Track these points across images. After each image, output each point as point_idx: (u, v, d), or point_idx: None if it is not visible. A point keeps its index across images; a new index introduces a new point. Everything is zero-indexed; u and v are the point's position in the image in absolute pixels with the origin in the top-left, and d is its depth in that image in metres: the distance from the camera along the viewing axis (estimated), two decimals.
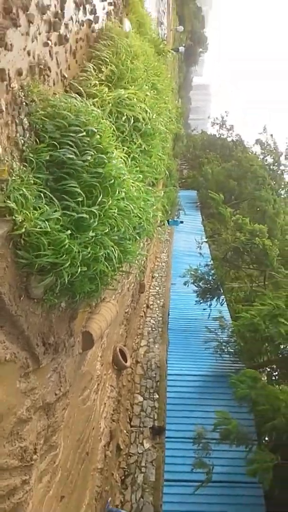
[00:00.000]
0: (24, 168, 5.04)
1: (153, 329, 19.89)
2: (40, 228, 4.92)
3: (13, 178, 4.72)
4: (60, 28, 6.74)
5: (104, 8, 10.33)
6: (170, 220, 28.60)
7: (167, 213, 22.55)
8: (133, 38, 9.66)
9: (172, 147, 33.00)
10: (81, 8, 8.18)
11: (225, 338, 17.43)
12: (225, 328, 17.90)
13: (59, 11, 6.80)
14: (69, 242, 5.31)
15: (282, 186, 39.29)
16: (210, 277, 20.50)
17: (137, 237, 7.94)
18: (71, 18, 7.49)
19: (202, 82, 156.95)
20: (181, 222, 31.46)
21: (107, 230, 6.20)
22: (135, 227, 7.56)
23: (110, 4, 11.01)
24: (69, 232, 5.34)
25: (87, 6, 8.61)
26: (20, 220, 4.62)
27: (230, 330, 17.48)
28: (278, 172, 39.87)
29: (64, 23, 7.03)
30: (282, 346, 14.37)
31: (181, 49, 40.62)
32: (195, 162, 46.65)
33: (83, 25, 8.24)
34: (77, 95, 6.73)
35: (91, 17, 8.86)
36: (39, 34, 5.82)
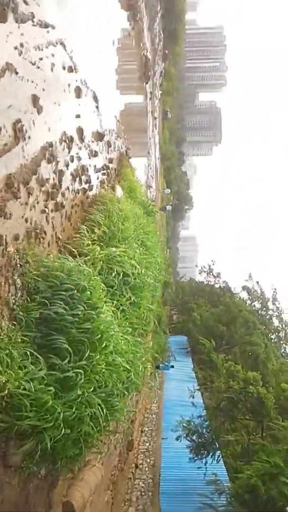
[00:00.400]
0: (13, 327, 5.09)
1: (143, 493, 17.84)
2: (24, 388, 4.78)
3: (1, 337, 4.74)
4: (57, 197, 7.48)
5: (98, 178, 11.60)
6: (160, 365, 27.95)
7: (157, 359, 22.14)
8: (124, 203, 10.65)
9: (162, 294, 33.94)
10: (77, 179, 9.21)
11: (222, 506, 15.59)
12: (222, 493, 16.15)
13: (57, 183, 7.64)
14: (53, 403, 5.10)
15: (272, 330, 39.60)
16: (204, 429, 19.22)
17: (126, 392, 7.68)
18: (68, 188, 8.36)
19: (189, 234, 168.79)
20: (172, 366, 30.69)
21: (94, 387, 6.02)
22: (123, 381, 7.36)
23: (104, 174, 12.42)
24: (53, 391, 5.17)
25: (83, 177, 9.70)
26: (4, 381, 4.50)
27: (227, 493, 15.75)
28: (267, 317, 40.55)
29: (61, 193, 7.83)
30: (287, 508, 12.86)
31: (168, 207, 44.56)
32: (184, 307, 47.48)
33: (78, 193, 9.17)
34: (70, 254, 7.17)
35: (86, 186, 9.91)
36: (37, 203, 6.43)
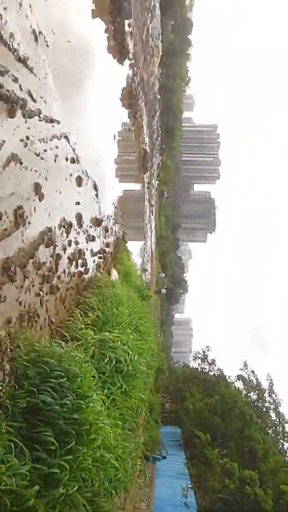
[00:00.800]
0: None
1: None
2: (6, 484, 4.41)
3: None
4: (53, 280, 7.51)
5: (94, 261, 11.77)
6: (151, 456, 26.24)
7: (148, 451, 20.85)
8: (119, 287, 10.68)
9: (154, 381, 32.86)
10: (74, 262, 9.33)
11: None
12: None
13: (54, 266, 7.71)
14: (35, 502, 4.68)
15: (269, 424, 37.84)
16: None
17: (113, 492, 7.10)
18: (64, 271, 8.44)
19: (184, 317, 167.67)
20: (164, 457, 28.80)
21: (80, 485, 5.57)
22: (111, 479, 6.84)
23: (100, 257, 12.61)
24: (37, 487, 4.77)
25: (80, 261, 9.83)
26: None
27: None
28: (263, 409, 38.97)
29: (57, 276, 7.88)
30: None
31: (163, 291, 44.83)
32: (178, 395, 45.76)
33: (74, 276, 9.23)
34: (63, 338, 7.03)
35: (82, 269, 10.01)
36: (33, 286, 6.44)
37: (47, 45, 8.14)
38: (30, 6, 7.23)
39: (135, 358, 9.07)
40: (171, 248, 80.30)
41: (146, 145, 34.83)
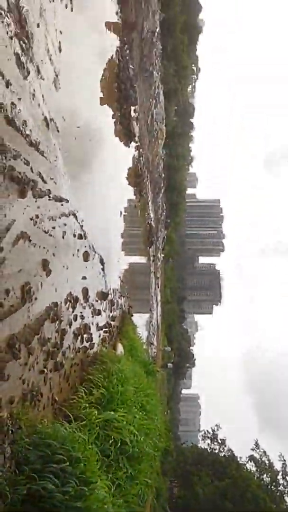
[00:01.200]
0: None
1: None
2: None
3: None
4: (57, 356, 7.40)
5: (100, 336, 11.65)
6: None
7: None
8: (124, 362, 10.46)
9: (161, 463, 30.97)
10: (79, 337, 9.23)
11: None
12: None
13: (59, 342, 7.63)
14: None
15: (284, 510, 34.86)
16: None
17: None
18: (69, 347, 8.33)
19: (191, 393, 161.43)
20: None
21: None
22: None
23: (105, 332, 12.50)
24: None
25: (85, 336, 9.73)
26: None
27: None
28: (277, 493, 36.16)
29: (62, 352, 7.77)
30: None
31: (169, 365, 43.66)
32: (186, 479, 42.84)
33: (79, 351, 9.09)
34: (66, 417, 6.78)
35: (87, 344, 9.88)
36: (37, 363, 6.33)
37: (58, 131, 8.70)
38: (43, 96, 7.83)
39: (141, 439, 8.67)
40: (177, 320, 79.41)
41: (151, 220, 35.81)
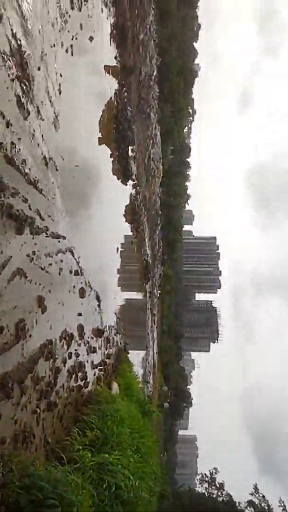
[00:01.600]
0: None
1: None
2: None
3: None
4: (50, 396, 7.24)
5: (95, 374, 11.45)
6: None
7: None
8: (120, 402, 10.24)
9: (157, 508, 29.70)
10: (74, 375, 9.07)
11: None
12: None
13: (52, 381, 7.49)
14: None
15: None
16: None
17: None
18: (63, 385, 8.17)
19: (188, 434, 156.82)
20: None
21: None
22: None
23: (101, 370, 12.29)
24: None
25: (79, 374, 9.56)
26: None
27: None
28: None
29: (55, 391, 7.61)
30: None
31: (166, 405, 42.65)
32: None
33: (73, 390, 8.90)
34: (59, 459, 6.57)
35: (82, 383, 9.69)
36: (30, 402, 6.19)
37: (56, 169, 8.87)
38: (42, 136, 8.03)
39: (136, 483, 8.33)
40: (174, 358, 78.07)
41: (148, 256, 35.93)
